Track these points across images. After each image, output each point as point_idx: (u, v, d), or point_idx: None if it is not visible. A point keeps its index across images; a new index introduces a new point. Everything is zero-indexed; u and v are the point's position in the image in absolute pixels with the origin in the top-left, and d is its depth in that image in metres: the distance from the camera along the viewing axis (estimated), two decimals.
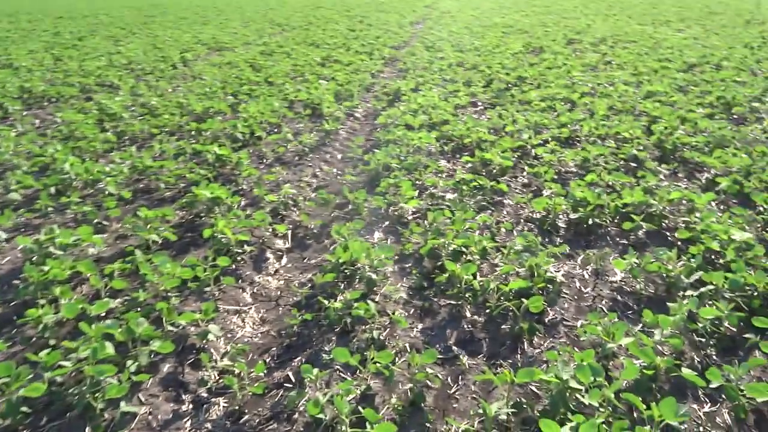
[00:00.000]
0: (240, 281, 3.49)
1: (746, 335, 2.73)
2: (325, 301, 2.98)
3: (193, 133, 6.19)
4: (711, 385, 2.32)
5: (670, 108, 6.55)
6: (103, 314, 2.98)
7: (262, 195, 4.49)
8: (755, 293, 2.99)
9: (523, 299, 2.90)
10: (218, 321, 3.06)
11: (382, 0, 34.06)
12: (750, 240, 3.40)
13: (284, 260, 3.83)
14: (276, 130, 6.55)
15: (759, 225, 3.85)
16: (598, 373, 2.26)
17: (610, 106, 6.95)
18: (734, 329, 2.81)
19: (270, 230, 4.09)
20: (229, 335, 2.99)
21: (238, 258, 3.68)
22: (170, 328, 2.85)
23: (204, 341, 2.83)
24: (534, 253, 3.44)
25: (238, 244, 3.75)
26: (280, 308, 3.29)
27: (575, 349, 2.73)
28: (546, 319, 2.98)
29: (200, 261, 3.42)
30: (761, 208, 4.06)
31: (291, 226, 4.23)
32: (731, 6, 23.36)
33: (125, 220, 4.00)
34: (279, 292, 3.45)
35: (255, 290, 3.45)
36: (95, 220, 4.15)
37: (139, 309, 2.96)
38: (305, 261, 3.81)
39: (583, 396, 2.21)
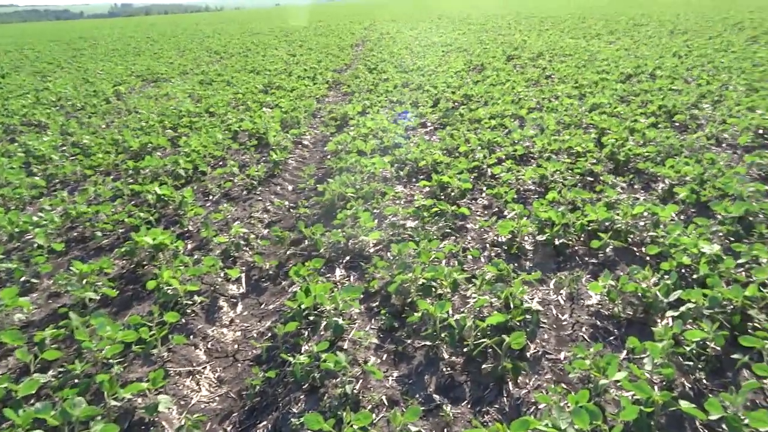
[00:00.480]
0: (191, 337, 3.16)
1: (733, 356, 2.62)
2: (290, 358, 2.70)
3: (130, 172, 5.78)
4: (711, 417, 2.18)
5: (616, 119, 6.62)
6: (33, 394, 2.59)
7: (210, 236, 4.17)
8: (733, 308, 2.91)
9: (503, 335, 2.71)
10: (170, 387, 2.73)
11: (320, 23, 34.14)
12: (718, 252, 3.34)
13: (239, 308, 3.53)
14: (221, 163, 6.22)
15: (722, 235, 3.83)
16: (595, 416, 2.08)
17: (558, 121, 6.97)
18: (719, 349, 2.70)
19: (222, 275, 3.77)
20: (182, 403, 2.67)
21: (188, 311, 3.35)
22: (113, 403, 2.50)
23: (154, 415, 2.49)
24: (507, 282, 3.27)
25: (186, 294, 3.42)
26: (239, 364, 2.99)
27: (562, 385, 2.56)
28: (528, 354, 2.80)
29: (145, 319, 3.07)
30: (721, 217, 4.04)
31: (244, 269, 3.93)
32: (653, 17, 24.55)
33: (57, 276, 3.60)
34: (236, 346, 3.15)
35: (209, 346, 3.13)
36: (22, 278, 3.73)
37: (75, 383, 2.59)
38: (263, 307, 3.52)
39: None
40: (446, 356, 2.82)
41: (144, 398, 2.59)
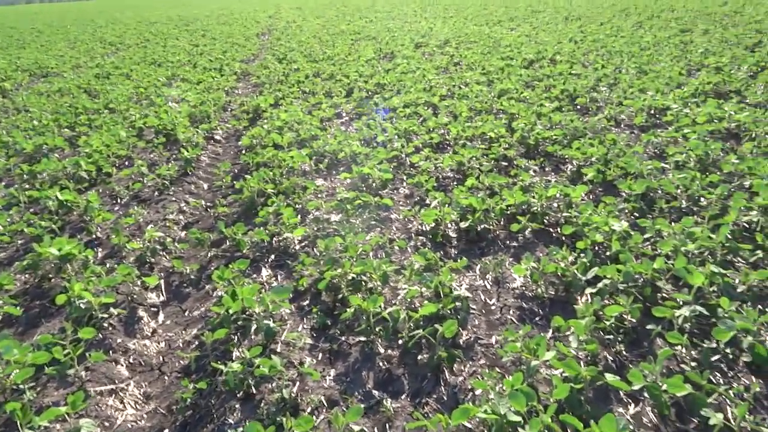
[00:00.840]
0: (111, 352, 2.96)
1: (648, 326, 2.81)
2: (221, 366, 2.59)
3: (25, 177, 5.30)
4: (633, 387, 2.32)
5: (524, 104, 6.88)
6: None
7: (122, 243, 3.92)
8: (644, 281, 3.12)
9: (436, 325, 2.75)
10: (91, 409, 2.54)
11: (221, 12, 32.94)
12: (627, 229, 3.57)
13: (161, 317, 3.35)
14: (127, 163, 5.85)
15: (628, 212, 4.09)
16: (531, 398, 2.16)
17: (470, 107, 7.15)
18: (635, 321, 2.89)
19: (139, 284, 3.56)
20: (107, 424, 2.50)
21: (105, 324, 3.13)
22: None
23: None
24: (435, 271, 3.32)
25: (102, 307, 3.20)
26: (166, 377, 2.83)
27: (497, 369, 2.63)
28: (461, 341, 2.86)
29: (57, 337, 2.84)
30: (625, 195, 4.32)
31: (163, 275, 3.73)
32: (549, 4, 25.72)
33: None
34: (161, 358, 2.98)
35: (131, 360, 2.95)
36: None
37: None
38: (186, 314, 3.36)
39: (523, 428, 2.09)
40: (382, 350, 2.82)
41: (64, 424, 2.40)
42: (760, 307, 2.94)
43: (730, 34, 12.20)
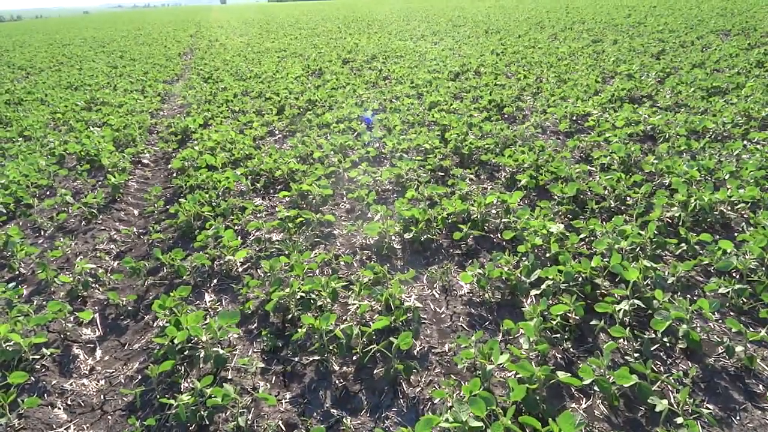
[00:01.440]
0: (46, 396, 2.76)
1: (591, 322, 2.93)
2: (170, 400, 2.47)
3: None
4: (584, 382, 2.41)
5: (454, 115, 7.05)
6: None
7: (50, 277, 3.68)
8: (583, 280, 3.25)
9: (390, 338, 2.75)
10: None
11: (139, 32, 31.93)
12: (563, 230, 3.72)
13: (98, 353, 3.16)
14: (49, 193, 5.52)
15: (562, 214, 4.26)
16: (490, 402, 2.19)
17: (403, 120, 7.25)
18: (579, 318, 3.01)
19: (71, 320, 3.35)
20: None
21: (37, 366, 2.92)
22: None
23: None
24: (384, 284, 3.32)
25: (32, 348, 2.98)
26: (109, 416, 2.67)
27: (452, 377, 2.66)
28: (415, 351, 2.87)
29: None
30: (558, 198, 4.50)
31: (97, 309, 3.53)
32: (469, 19, 26.61)
33: None
34: (102, 396, 2.81)
35: (69, 402, 2.76)
36: None
37: None
38: (126, 348, 3.19)
39: None
40: (337, 368, 2.78)
41: None
42: (689, 296, 3.13)
43: (637, 43, 13.05)
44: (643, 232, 3.56)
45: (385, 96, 8.97)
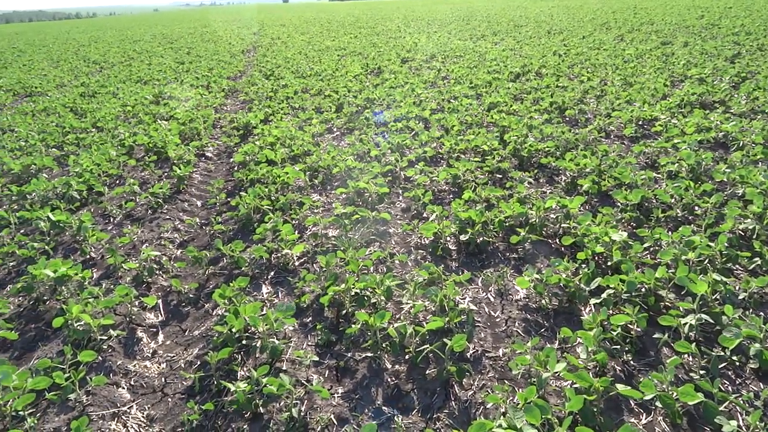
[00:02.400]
0: (111, 375, 2.89)
1: (654, 335, 2.82)
2: (230, 385, 2.54)
3: (14, 197, 5.22)
4: (645, 397, 2.32)
5: (514, 117, 6.94)
6: None
7: (118, 263, 3.85)
8: (647, 291, 3.13)
9: (444, 340, 2.73)
10: None
11: (205, 30, 32.96)
12: (626, 239, 3.59)
13: (161, 337, 3.29)
14: (119, 182, 5.79)
15: (625, 222, 4.12)
16: (545, 411, 2.15)
17: (461, 121, 7.19)
18: (640, 330, 2.90)
19: (137, 304, 3.50)
20: None
21: (104, 346, 3.07)
22: None
23: None
24: (439, 285, 3.31)
25: (101, 329, 3.13)
26: (169, 399, 2.77)
27: (506, 382, 2.62)
28: (468, 354, 2.84)
29: (56, 361, 2.78)
30: (621, 205, 4.35)
31: (160, 295, 3.67)
32: (531, 19, 26.12)
33: None
34: (163, 379, 2.92)
35: (132, 382, 2.88)
36: None
37: None
38: (187, 334, 3.30)
39: None
40: (389, 366, 2.79)
41: None
42: (762, 313, 2.97)
43: (710, 46, 12.47)
44: (712, 244, 3.39)
45: (443, 96, 8.92)
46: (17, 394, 2.49)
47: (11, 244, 4.19)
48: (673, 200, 4.33)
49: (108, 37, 31.72)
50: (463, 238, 3.93)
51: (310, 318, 3.25)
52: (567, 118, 7.35)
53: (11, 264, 4.08)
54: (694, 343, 2.72)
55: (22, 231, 4.61)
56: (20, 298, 3.61)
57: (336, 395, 2.63)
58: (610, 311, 2.98)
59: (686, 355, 2.70)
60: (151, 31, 36.10)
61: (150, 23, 50.51)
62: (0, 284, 3.85)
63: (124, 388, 2.84)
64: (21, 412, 2.50)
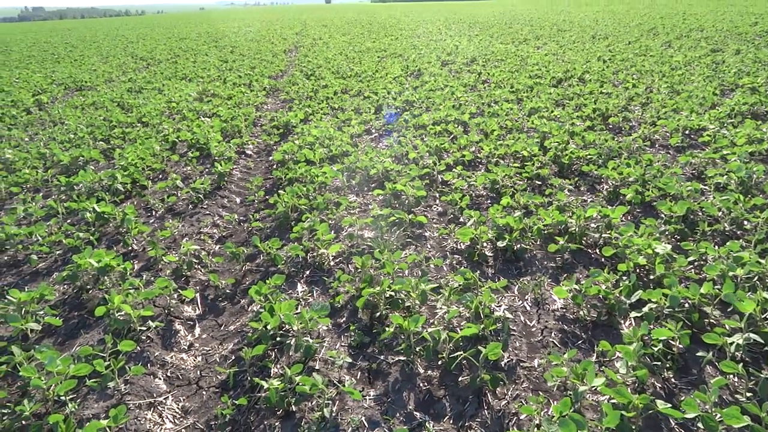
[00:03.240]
0: (149, 365, 2.95)
1: (698, 353, 2.72)
2: (263, 382, 2.57)
3: (62, 188, 5.40)
4: (687, 416, 2.24)
5: (555, 123, 6.82)
6: None
7: (159, 255, 3.94)
8: (691, 306, 3.03)
9: (479, 347, 2.70)
10: (130, 422, 2.53)
11: (249, 29, 33.51)
12: (670, 251, 3.48)
13: (197, 331, 3.34)
14: (161, 176, 5.93)
15: (669, 234, 4.00)
16: (582, 425, 2.09)
17: (500, 125, 7.11)
18: (683, 347, 2.80)
19: (175, 297, 3.57)
20: None
21: (143, 337, 3.14)
22: None
23: None
24: (474, 291, 3.27)
25: (140, 320, 3.20)
26: (204, 392, 2.82)
27: (541, 394, 2.57)
28: (502, 363, 2.80)
29: (96, 349, 2.85)
30: (665, 217, 4.22)
31: (198, 289, 3.74)
32: (575, 23, 25.67)
33: None
34: (198, 372, 2.97)
35: (169, 373, 2.94)
36: None
37: (25, 426, 2.36)
38: (222, 328, 3.35)
39: None
40: (422, 371, 2.77)
41: None
42: None
43: (763, 54, 12.02)
44: (762, 261, 3.26)
45: (483, 99, 8.85)
46: (60, 380, 2.57)
47: (58, 233, 4.34)
48: (720, 213, 4.18)
49: (155, 35, 32.59)
50: (500, 244, 3.88)
51: (344, 318, 3.26)
52: (610, 126, 7.19)
53: (58, 252, 4.22)
54: (741, 364, 2.61)
55: (68, 221, 4.76)
56: (65, 286, 3.73)
57: (368, 398, 2.62)
58: (651, 326, 2.89)
59: (732, 376, 2.60)
60: (197, 29, 36.93)
61: (196, 21, 51.67)
62: (47, 272, 3.98)
63: (160, 378, 2.89)
64: (63, 397, 2.58)
